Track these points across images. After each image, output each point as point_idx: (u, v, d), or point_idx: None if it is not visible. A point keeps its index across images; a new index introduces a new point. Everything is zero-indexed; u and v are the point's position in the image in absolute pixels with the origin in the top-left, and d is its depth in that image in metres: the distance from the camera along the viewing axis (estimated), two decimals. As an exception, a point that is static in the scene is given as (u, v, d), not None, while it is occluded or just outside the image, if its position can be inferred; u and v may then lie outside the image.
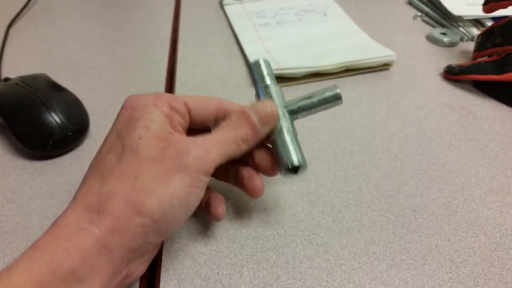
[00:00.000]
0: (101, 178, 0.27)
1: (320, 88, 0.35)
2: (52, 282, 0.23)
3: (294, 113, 0.35)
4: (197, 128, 0.33)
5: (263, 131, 0.32)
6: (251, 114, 0.31)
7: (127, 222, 0.25)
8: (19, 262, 0.24)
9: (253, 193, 0.34)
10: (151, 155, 0.27)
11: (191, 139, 0.29)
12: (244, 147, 0.31)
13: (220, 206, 0.34)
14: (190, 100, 0.32)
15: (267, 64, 0.38)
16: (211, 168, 0.28)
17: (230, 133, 0.30)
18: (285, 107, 0.35)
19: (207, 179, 0.29)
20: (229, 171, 0.35)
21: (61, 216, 0.26)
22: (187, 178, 0.27)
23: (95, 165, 0.29)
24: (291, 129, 0.33)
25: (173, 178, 0.27)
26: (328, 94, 0.34)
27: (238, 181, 0.35)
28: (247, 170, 0.34)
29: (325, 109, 0.35)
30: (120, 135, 0.29)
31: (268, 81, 0.36)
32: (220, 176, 0.36)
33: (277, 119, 0.33)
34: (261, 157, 0.34)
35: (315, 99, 0.34)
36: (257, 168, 0.34)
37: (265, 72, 0.37)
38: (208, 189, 0.34)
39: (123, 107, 0.31)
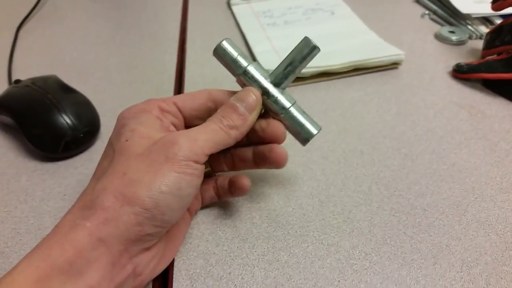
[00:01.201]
0: (95, 181, 0.29)
1: (327, 86, 0.35)
2: (51, 276, 0.24)
3: (284, 84, 0.35)
4: (194, 124, 0.34)
5: (252, 117, 0.33)
6: (237, 103, 0.32)
7: (118, 213, 0.26)
8: (20, 262, 0.25)
9: (278, 161, 0.35)
10: (137, 152, 0.29)
11: (178, 132, 0.30)
12: (234, 134, 0.32)
13: (243, 178, 0.36)
14: (179, 99, 0.34)
15: (233, 44, 0.35)
16: (200, 155, 0.29)
17: (216, 122, 0.31)
18: (272, 82, 0.34)
19: (198, 166, 0.29)
20: (241, 157, 0.36)
21: (60, 220, 0.27)
22: (174, 166, 0.28)
23: (93, 174, 0.31)
24: (291, 101, 0.34)
25: (160, 167, 0.27)
26: (305, 51, 0.34)
27: (259, 158, 0.35)
28: (263, 146, 0.35)
29: (307, 63, 0.35)
30: (111, 143, 0.31)
31: (243, 63, 0.34)
32: (231, 166, 0.37)
33: (261, 102, 0.34)
34: (273, 127, 0.35)
35: (296, 63, 0.34)
36: (271, 141, 0.35)
37: (235, 54, 0.34)
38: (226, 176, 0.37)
39: (116, 120, 0.32)
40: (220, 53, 0.34)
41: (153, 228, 0.27)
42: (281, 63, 0.34)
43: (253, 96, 0.33)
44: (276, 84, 0.34)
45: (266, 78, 0.34)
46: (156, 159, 0.28)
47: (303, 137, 0.35)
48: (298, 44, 0.34)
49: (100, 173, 0.29)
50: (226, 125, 0.31)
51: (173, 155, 0.28)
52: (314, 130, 0.34)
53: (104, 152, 0.31)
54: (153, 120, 0.31)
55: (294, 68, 0.34)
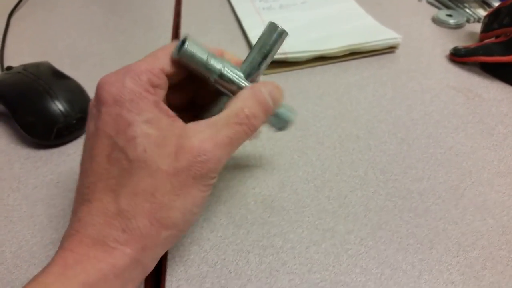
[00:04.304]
0: (112, 194, 0.26)
1: (323, 71, 0.33)
2: None
3: (255, 75, 0.32)
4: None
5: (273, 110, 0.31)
6: (268, 100, 0.30)
7: (156, 238, 0.26)
8: (52, 282, 0.24)
9: None
10: (161, 168, 0.26)
11: (204, 146, 0.27)
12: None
13: None
14: (166, 64, 0.29)
15: (197, 44, 0.30)
16: (220, 170, 0.28)
17: (242, 126, 0.28)
18: (245, 76, 0.31)
19: (216, 178, 0.29)
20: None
21: (77, 229, 0.26)
22: (202, 186, 0.27)
23: (97, 176, 0.27)
24: None
25: (190, 189, 0.27)
26: (274, 37, 0.31)
27: None
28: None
29: (277, 50, 0.32)
30: (118, 145, 0.26)
31: (216, 66, 0.30)
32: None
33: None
34: None
35: (266, 52, 0.31)
36: None
37: (204, 58, 0.30)
38: None
39: (103, 102, 0.27)
40: (186, 59, 0.29)
41: (179, 239, 0.30)
42: (250, 54, 0.32)
43: (281, 91, 0.32)
44: (248, 76, 0.32)
45: (240, 77, 0.31)
46: (184, 180, 0.26)
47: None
48: (264, 32, 0.31)
49: (114, 181, 0.26)
50: (252, 128, 0.29)
51: (201, 178, 0.27)
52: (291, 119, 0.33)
53: (102, 148, 0.27)
54: (157, 113, 0.27)
55: (265, 57, 0.31)
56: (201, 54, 0.29)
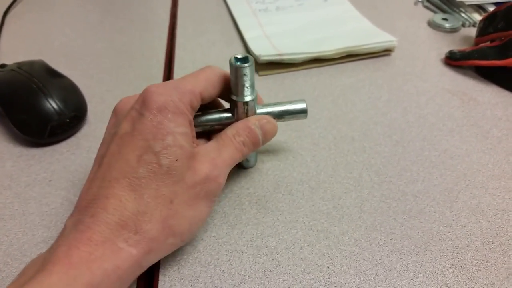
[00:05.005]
0: (133, 194, 0.27)
1: (319, 73, 0.35)
2: None
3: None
4: None
5: (262, 145, 0.36)
6: (257, 132, 0.34)
7: (162, 243, 0.28)
8: (55, 282, 0.23)
9: None
10: (184, 179, 0.29)
11: (210, 161, 0.31)
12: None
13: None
14: (204, 89, 0.32)
15: (253, 70, 0.33)
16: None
17: (239, 150, 0.33)
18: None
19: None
20: None
21: (89, 225, 0.26)
22: (210, 202, 0.31)
23: (122, 173, 0.27)
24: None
25: (200, 203, 0.30)
26: (297, 111, 0.38)
27: None
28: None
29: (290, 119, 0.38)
30: (152, 149, 0.28)
31: (249, 95, 0.34)
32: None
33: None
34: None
35: (283, 115, 0.37)
36: None
37: (248, 83, 0.34)
38: None
39: (147, 107, 0.29)
40: (238, 73, 0.33)
41: (176, 248, 0.31)
42: (271, 105, 0.37)
43: (275, 130, 0.36)
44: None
45: (254, 112, 0.36)
46: (198, 193, 0.30)
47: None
48: (296, 102, 0.37)
49: (137, 181, 0.27)
50: (243, 153, 0.34)
51: (212, 193, 0.31)
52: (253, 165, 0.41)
53: (134, 148, 0.28)
54: (189, 131, 0.30)
55: (279, 116, 0.37)
56: (251, 78, 0.33)
